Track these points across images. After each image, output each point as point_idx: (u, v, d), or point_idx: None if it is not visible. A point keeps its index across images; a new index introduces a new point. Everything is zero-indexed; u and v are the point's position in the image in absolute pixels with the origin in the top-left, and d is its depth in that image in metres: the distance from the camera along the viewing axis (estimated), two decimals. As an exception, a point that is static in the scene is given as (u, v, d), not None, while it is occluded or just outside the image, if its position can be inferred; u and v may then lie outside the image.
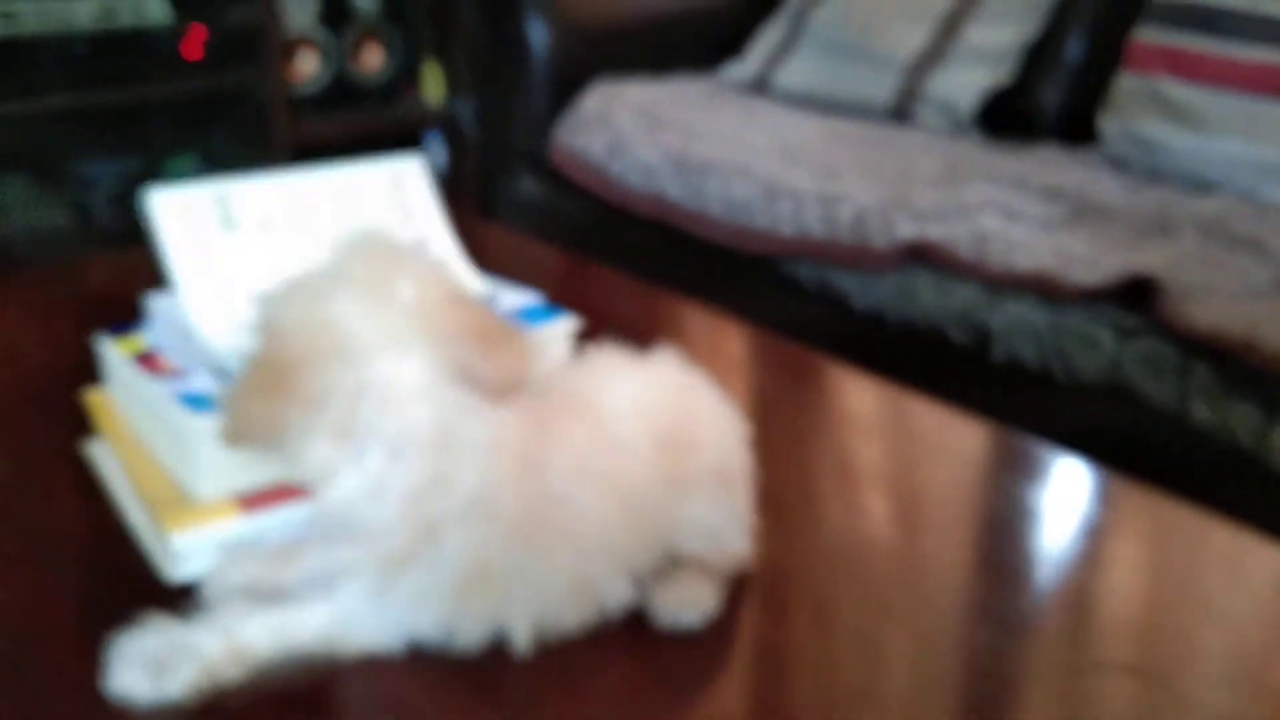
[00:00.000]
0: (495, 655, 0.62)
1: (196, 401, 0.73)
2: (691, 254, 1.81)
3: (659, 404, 0.66)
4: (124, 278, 1.34)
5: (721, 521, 0.67)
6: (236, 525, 0.70)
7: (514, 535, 0.60)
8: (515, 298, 0.90)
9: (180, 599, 0.66)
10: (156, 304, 0.86)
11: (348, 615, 0.61)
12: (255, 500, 0.72)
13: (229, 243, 0.82)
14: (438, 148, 2.64)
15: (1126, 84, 1.96)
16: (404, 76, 2.53)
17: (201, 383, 0.75)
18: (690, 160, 1.84)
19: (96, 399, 0.87)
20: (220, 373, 0.76)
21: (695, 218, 1.78)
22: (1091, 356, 1.31)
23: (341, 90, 2.38)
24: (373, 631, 0.61)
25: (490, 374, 0.61)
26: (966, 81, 2.16)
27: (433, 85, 2.55)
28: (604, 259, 1.32)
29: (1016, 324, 1.38)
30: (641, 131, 1.99)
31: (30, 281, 1.33)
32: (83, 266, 1.36)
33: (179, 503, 0.72)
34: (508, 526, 0.60)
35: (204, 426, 0.69)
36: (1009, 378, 1.40)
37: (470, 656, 0.62)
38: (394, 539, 0.59)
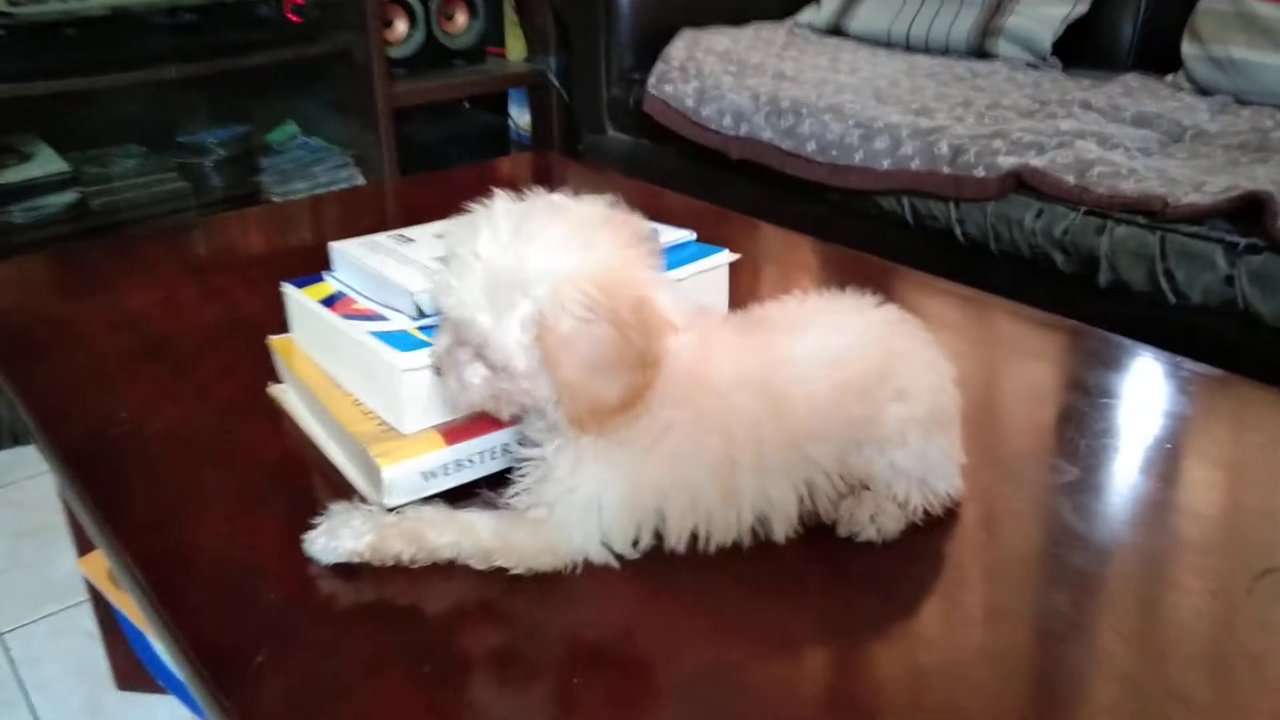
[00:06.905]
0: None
1: (398, 340, 0.76)
2: (787, 194, 1.85)
3: (854, 353, 0.68)
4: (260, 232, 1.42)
5: (928, 466, 0.69)
6: (442, 456, 0.75)
7: (683, 426, 0.66)
8: (669, 234, 0.95)
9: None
10: (342, 250, 0.90)
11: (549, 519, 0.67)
12: (457, 432, 0.75)
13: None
14: (522, 106, 2.69)
15: (1210, 6, 1.95)
16: (489, 38, 2.58)
17: (398, 322, 0.79)
18: (781, 103, 1.88)
19: (281, 344, 0.92)
20: (416, 313, 0.80)
21: (790, 158, 1.82)
22: (1202, 276, 1.34)
23: (432, 53, 2.44)
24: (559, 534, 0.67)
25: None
26: (1045, 14, 2.17)
27: (515, 45, 2.60)
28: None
29: (1123, 247, 1.41)
30: (730, 77, 2.03)
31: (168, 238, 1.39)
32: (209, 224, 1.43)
33: (387, 437, 0.76)
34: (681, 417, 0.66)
35: (407, 363, 0.74)
36: (1118, 300, 1.43)
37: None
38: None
